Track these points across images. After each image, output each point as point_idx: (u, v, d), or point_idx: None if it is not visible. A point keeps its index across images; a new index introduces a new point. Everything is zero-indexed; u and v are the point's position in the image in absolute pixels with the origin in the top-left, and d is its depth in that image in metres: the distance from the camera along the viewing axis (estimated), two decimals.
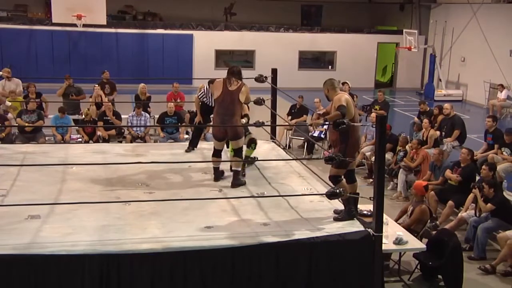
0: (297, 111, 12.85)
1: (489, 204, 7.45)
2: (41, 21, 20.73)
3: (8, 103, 10.66)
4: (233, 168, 6.90)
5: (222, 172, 7.12)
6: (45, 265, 4.83)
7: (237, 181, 6.78)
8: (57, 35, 20.13)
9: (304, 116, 12.75)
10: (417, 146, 9.76)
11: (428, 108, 12.53)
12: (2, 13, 21.24)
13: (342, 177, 5.89)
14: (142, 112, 11.61)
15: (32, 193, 6.26)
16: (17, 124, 10.90)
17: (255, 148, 7.52)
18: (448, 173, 8.72)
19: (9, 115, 11.28)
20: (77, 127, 11.71)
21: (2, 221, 5.43)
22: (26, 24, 20.45)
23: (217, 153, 6.94)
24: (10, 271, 4.79)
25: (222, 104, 6.69)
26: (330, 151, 10.15)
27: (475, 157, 9.35)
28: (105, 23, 17.92)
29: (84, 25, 17.52)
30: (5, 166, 6.91)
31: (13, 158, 7.72)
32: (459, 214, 8.01)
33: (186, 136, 11.55)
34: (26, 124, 10.82)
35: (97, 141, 11.07)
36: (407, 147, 10.17)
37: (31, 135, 10.87)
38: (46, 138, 11.14)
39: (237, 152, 6.86)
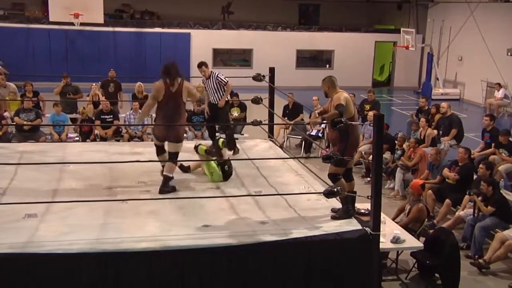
0: (290, 110, 12.76)
1: (489, 207, 7.44)
2: (38, 20, 20.67)
3: None
4: (164, 173, 6.56)
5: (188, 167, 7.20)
6: (42, 264, 4.83)
7: (166, 188, 6.47)
8: (54, 34, 20.08)
9: (301, 115, 12.70)
10: (415, 144, 9.77)
11: (427, 107, 12.55)
12: None
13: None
14: (140, 111, 11.58)
15: (29, 191, 6.24)
16: (14, 123, 10.87)
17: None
18: (445, 172, 8.73)
19: (6, 114, 11.24)
20: (74, 126, 11.69)
21: None
22: (23, 23, 20.38)
23: (160, 150, 6.79)
24: (6, 270, 4.78)
25: (167, 108, 6.47)
26: (327, 149, 10.17)
27: (472, 156, 9.36)
28: (102, 22, 17.89)
29: (82, 24, 17.48)
30: (2, 164, 6.88)
31: (10, 157, 7.70)
32: (457, 213, 8.02)
33: (184, 135, 11.52)
34: (25, 123, 10.79)
35: (94, 140, 11.04)
36: (404, 145, 10.18)
37: (29, 133, 10.83)
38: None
39: (172, 156, 6.58)
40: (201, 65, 8.11)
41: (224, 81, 7.94)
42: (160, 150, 6.82)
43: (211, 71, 8.08)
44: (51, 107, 11.52)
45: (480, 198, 7.64)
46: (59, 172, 6.98)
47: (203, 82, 8.30)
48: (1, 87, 11.67)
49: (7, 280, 4.78)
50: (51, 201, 5.93)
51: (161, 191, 6.44)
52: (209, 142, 7.96)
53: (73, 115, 12.15)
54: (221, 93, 7.97)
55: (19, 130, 10.86)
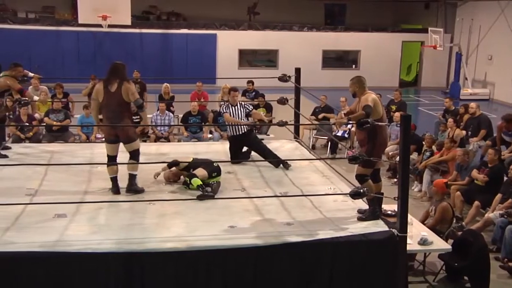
0: (321, 111, 12.78)
1: None
2: (68, 22, 21.04)
3: (36, 98, 10.78)
4: (129, 172, 6.46)
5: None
6: (70, 262, 4.92)
7: (133, 186, 6.43)
8: (83, 36, 20.41)
9: (330, 114, 12.67)
10: (450, 144, 9.58)
11: (453, 107, 12.36)
12: (30, 15, 21.62)
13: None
14: (166, 112, 11.70)
15: (58, 192, 6.36)
16: (44, 124, 11.09)
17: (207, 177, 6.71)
18: (474, 173, 8.59)
19: (37, 115, 11.46)
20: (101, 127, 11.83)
21: (30, 220, 5.55)
22: (53, 25, 20.79)
23: (112, 160, 6.49)
24: (37, 268, 4.88)
25: (108, 108, 6.35)
26: (353, 150, 10.09)
27: (502, 157, 9.19)
28: (129, 23, 18.09)
29: (109, 26, 17.71)
30: (32, 165, 7.03)
31: (40, 158, 7.87)
32: (486, 215, 7.89)
33: (209, 135, 11.61)
34: (54, 123, 11.01)
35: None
36: (433, 147, 10.03)
37: (59, 134, 11.04)
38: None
39: (133, 154, 6.47)
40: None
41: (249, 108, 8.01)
42: (111, 159, 6.48)
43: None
44: (80, 108, 11.69)
45: (510, 200, 7.50)
46: (88, 173, 7.09)
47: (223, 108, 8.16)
48: (34, 90, 11.89)
49: (37, 278, 4.88)
50: (80, 201, 6.03)
51: (128, 190, 6.42)
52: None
53: (101, 116, 12.28)
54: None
55: (49, 130, 11.07)
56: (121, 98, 6.31)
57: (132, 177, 6.47)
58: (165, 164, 6.81)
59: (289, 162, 7.62)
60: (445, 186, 7.34)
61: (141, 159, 7.56)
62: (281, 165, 7.58)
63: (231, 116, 7.91)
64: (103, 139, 11.17)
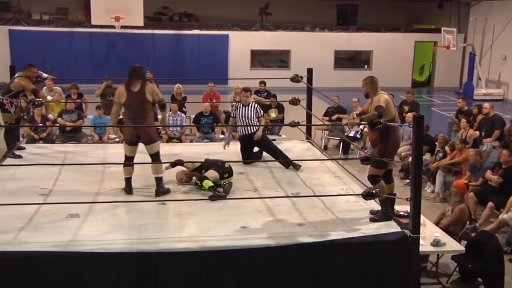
0: (334, 111, 12.78)
1: None
2: (81, 24, 21.21)
3: (49, 97, 10.86)
4: (154, 176, 6.47)
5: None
6: (83, 262, 4.95)
7: (161, 189, 6.43)
8: (96, 37, 20.55)
9: (338, 115, 12.67)
10: (461, 146, 9.51)
11: (467, 108, 12.27)
12: (44, 16, 21.82)
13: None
14: (178, 112, 11.74)
15: (72, 192, 6.41)
16: (58, 124, 11.17)
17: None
18: (488, 174, 8.52)
19: (50, 116, 11.55)
20: (114, 127, 11.89)
21: (43, 220, 5.59)
22: (67, 27, 20.97)
23: (129, 161, 6.49)
24: (50, 267, 4.91)
25: (131, 108, 6.36)
26: (366, 151, 10.07)
27: None
28: (142, 24, 18.17)
29: (122, 27, 17.81)
30: (46, 165, 7.08)
31: (54, 158, 7.93)
32: (500, 216, 7.82)
33: (221, 136, 11.63)
34: (67, 124, 11.09)
35: None
36: (446, 147, 9.96)
37: (72, 134, 11.12)
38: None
39: (154, 157, 6.46)
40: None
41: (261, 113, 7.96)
42: (128, 160, 6.47)
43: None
44: (93, 109, 11.77)
45: None
46: (101, 173, 7.14)
47: (233, 112, 8.13)
48: (48, 90, 11.99)
49: (50, 277, 4.92)
50: (93, 201, 6.07)
51: (157, 193, 6.40)
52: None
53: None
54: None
55: (62, 131, 11.15)
56: (144, 98, 6.35)
57: (159, 180, 6.48)
58: (168, 164, 6.83)
59: (301, 162, 7.61)
60: (465, 187, 7.28)
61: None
62: (291, 166, 7.58)
63: (242, 117, 7.91)
64: (116, 139, 11.40)
